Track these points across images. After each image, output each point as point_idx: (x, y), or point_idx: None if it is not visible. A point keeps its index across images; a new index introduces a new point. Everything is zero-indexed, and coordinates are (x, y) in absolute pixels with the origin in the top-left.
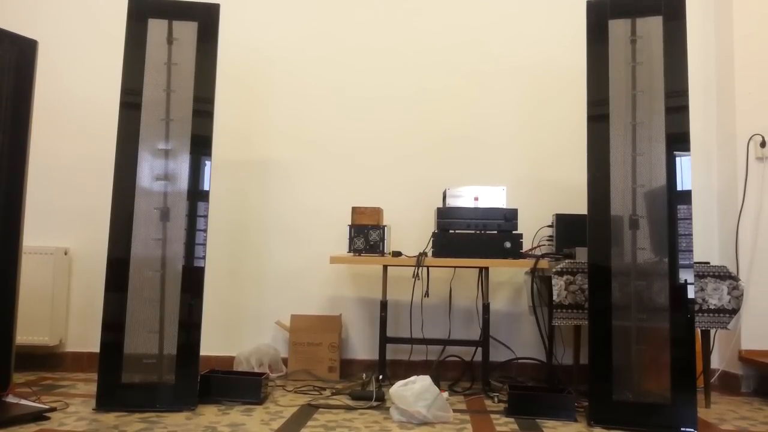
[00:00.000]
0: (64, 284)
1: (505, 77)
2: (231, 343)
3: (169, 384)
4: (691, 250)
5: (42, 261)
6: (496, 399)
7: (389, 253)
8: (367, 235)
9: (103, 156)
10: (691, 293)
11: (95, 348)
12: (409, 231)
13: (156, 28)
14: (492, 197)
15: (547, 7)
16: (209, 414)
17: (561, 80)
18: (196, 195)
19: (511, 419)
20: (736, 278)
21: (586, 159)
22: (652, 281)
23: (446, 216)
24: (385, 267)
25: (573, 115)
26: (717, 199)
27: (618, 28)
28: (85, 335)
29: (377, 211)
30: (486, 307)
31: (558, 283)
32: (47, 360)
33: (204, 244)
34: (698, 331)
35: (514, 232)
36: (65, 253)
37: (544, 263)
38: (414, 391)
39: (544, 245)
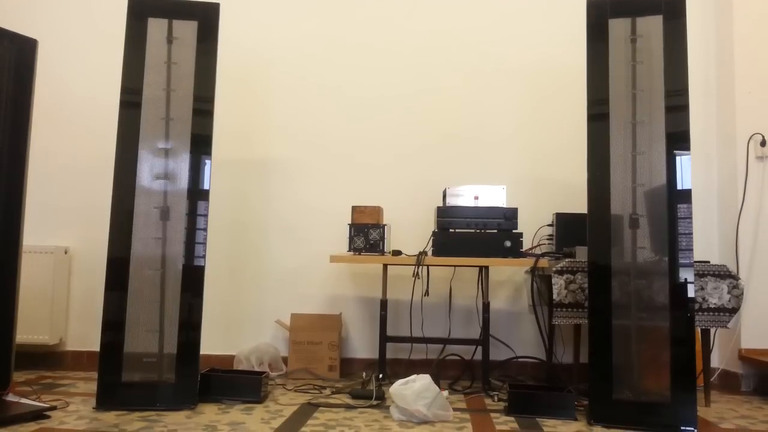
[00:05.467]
0: (64, 283)
1: (505, 76)
2: (231, 341)
3: (169, 383)
4: (691, 249)
5: (42, 260)
6: (496, 398)
7: (389, 252)
8: (367, 234)
9: (103, 155)
10: (691, 292)
11: (95, 347)
12: (409, 230)
13: (156, 27)
14: (492, 196)
15: (547, 7)
16: (209, 413)
17: (561, 79)
18: (196, 194)
19: (511, 418)
20: (736, 277)
21: (586, 158)
22: (652, 280)
23: (446, 215)
24: (385, 266)
25: (573, 114)
26: (717, 198)
27: (618, 27)
28: (85, 334)
29: (377, 210)
30: (486, 306)
31: (558, 282)
32: (47, 359)
33: (204, 243)
34: (698, 330)
35: (514, 231)
36: (65, 252)
37: (544, 262)
38: (414, 390)
39: (544, 244)
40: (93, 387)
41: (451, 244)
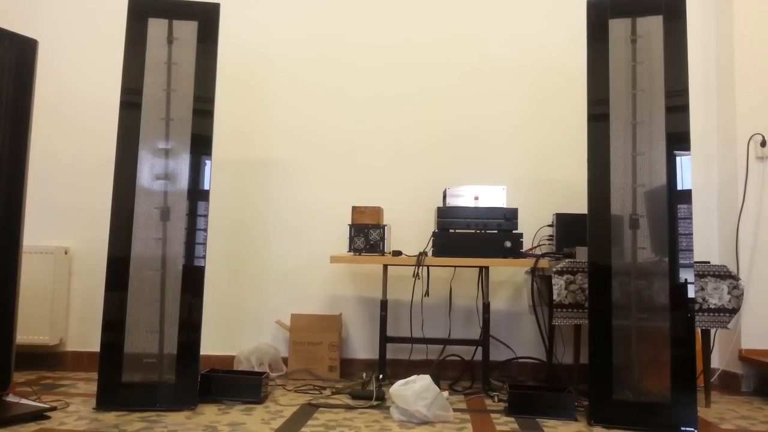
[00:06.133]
0: (65, 284)
1: (506, 77)
2: (231, 342)
3: (170, 383)
4: (692, 250)
5: (42, 260)
6: (496, 398)
7: (389, 253)
8: (367, 234)
9: (103, 155)
10: (691, 292)
11: (95, 347)
12: (410, 230)
13: (156, 27)
14: (492, 196)
15: (547, 7)
16: (209, 413)
17: (561, 79)
18: (197, 194)
19: (512, 418)
20: (736, 278)
21: (586, 158)
22: (652, 280)
23: (446, 215)
24: (385, 266)
25: (573, 115)
26: (717, 199)
27: (618, 27)
28: (85, 335)
29: (377, 211)
30: (486, 307)
31: (558, 283)
32: (47, 359)
33: (204, 244)
34: (698, 330)
35: (514, 231)
36: (65, 253)
37: (544, 263)
38: (414, 391)
39: (544, 244)
40: (93, 387)
41: (451, 245)
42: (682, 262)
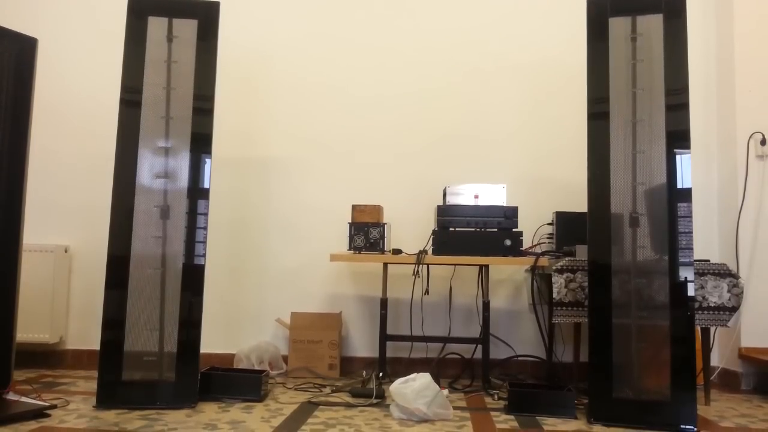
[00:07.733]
0: (65, 282)
1: (506, 75)
2: (231, 340)
3: (170, 381)
4: (691, 248)
5: (42, 259)
6: (496, 396)
7: (389, 251)
8: (367, 232)
9: (103, 154)
10: (691, 291)
11: (95, 345)
12: (410, 229)
13: (156, 25)
14: (492, 195)
15: (547, 5)
16: (209, 411)
17: (561, 78)
18: (197, 193)
19: (511, 416)
20: (736, 276)
21: (586, 157)
22: (652, 279)
23: (446, 214)
24: (385, 265)
25: (573, 113)
26: (717, 197)
27: (618, 25)
28: (85, 333)
29: (377, 209)
30: (486, 305)
31: (558, 281)
32: (47, 358)
33: (204, 242)
34: (698, 328)
35: (514, 229)
36: (65, 251)
37: (544, 261)
38: (414, 389)
39: (544, 243)
40: (93, 386)
41: (451, 243)
42: (681, 260)
